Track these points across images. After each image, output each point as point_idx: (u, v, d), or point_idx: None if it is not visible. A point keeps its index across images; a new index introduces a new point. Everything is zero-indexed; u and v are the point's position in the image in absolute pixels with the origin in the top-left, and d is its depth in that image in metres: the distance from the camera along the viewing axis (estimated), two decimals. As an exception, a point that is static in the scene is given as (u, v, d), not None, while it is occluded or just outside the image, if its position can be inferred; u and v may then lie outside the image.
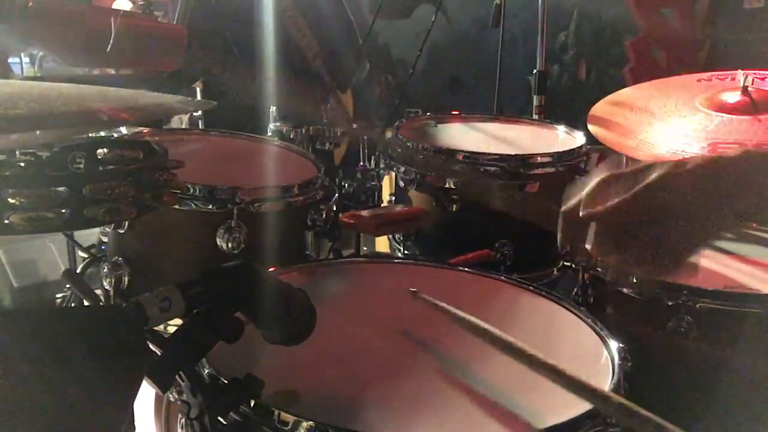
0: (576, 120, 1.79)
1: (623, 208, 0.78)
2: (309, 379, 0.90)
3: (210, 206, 1.31)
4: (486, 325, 0.93)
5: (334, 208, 1.47)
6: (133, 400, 0.65)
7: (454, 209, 1.53)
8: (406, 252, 1.64)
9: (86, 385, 0.60)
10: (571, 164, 1.58)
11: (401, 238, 1.65)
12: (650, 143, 1.46)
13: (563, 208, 0.85)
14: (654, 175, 0.78)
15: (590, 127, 1.61)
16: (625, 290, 1.20)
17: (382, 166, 1.75)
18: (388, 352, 0.99)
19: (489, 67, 2.86)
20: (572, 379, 0.80)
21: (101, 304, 1.15)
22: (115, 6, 2.33)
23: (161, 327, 0.78)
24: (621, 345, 0.96)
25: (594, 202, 0.81)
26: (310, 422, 0.76)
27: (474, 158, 1.54)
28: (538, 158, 1.56)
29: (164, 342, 0.74)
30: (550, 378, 0.82)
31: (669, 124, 1.50)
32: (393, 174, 1.68)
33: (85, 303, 0.86)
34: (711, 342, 1.13)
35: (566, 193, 0.86)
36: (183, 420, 0.79)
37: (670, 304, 1.13)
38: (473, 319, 0.96)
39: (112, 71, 2.22)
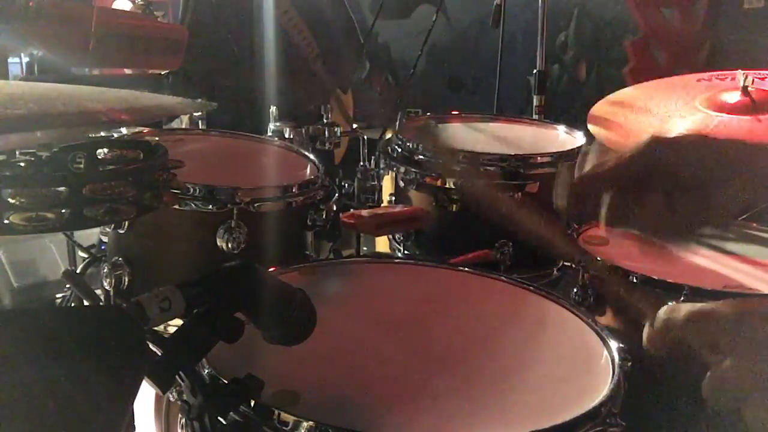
0: (576, 120, 1.79)
1: (637, 175, 0.81)
2: (309, 379, 0.90)
3: (210, 206, 1.31)
4: None
5: (334, 208, 1.47)
6: (133, 400, 0.65)
7: (454, 209, 1.53)
8: (406, 252, 1.64)
9: (86, 385, 0.60)
10: (571, 164, 1.58)
11: (401, 238, 1.65)
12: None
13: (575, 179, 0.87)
14: (669, 150, 0.80)
15: (590, 127, 1.60)
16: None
17: (382, 166, 1.75)
18: (388, 352, 0.99)
19: (489, 67, 2.87)
20: None
21: (101, 304, 1.15)
22: (115, 6, 2.33)
23: (161, 327, 0.78)
24: (621, 345, 0.96)
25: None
26: (310, 422, 0.76)
27: (474, 158, 1.54)
28: (538, 158, 1.56)
29: (164, 342, 0.74)
30: None
31: (669, 124, 1.50)
32: (393, 174, 1.68)
33: (85, 303, 0.86)
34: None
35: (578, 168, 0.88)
36: (183, 420, 0.79)
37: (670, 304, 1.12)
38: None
39: (112, 71, 2.22)
